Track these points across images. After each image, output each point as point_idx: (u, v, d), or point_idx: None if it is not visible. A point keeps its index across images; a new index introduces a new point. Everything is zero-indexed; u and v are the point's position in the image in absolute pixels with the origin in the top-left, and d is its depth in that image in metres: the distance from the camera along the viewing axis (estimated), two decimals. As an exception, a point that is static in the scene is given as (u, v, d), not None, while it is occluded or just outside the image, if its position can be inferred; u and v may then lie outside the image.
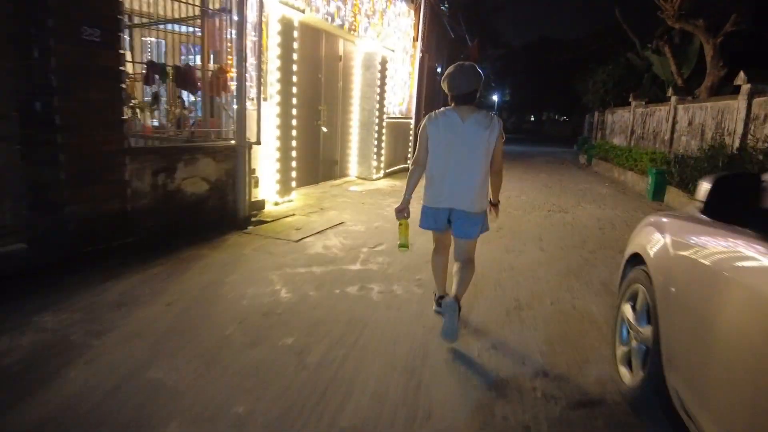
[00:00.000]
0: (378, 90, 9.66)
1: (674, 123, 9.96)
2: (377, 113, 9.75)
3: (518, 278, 4.31)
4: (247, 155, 5.39)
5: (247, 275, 3.93)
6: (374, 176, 9.93)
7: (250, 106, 5.70)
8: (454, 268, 3.14)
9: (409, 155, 12.33)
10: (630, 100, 13.12)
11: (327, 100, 8.64)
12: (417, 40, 12.00)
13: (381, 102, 9.86)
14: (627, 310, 2.62)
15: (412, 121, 12.23)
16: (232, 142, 5.32)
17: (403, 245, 3.06)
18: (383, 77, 9.81)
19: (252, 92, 5.81)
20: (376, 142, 9.84)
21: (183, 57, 6.14)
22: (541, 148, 26.46)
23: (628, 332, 2.61)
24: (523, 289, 4.05)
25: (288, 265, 4.25)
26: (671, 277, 2.07)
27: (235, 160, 5.30)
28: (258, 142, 5.60)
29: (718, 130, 8.08)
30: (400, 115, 11.60)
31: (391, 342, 2.93)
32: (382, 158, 10.30)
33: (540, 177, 12.53)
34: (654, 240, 2.41)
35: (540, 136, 42.32)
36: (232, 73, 5.27)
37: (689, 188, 7.84)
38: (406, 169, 12.56)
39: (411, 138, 12.29)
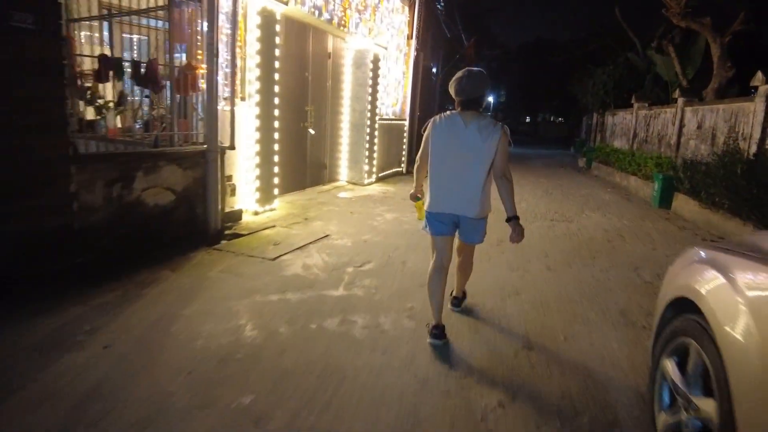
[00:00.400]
0: (370, 89, 9.10)
1: (681, 126, 9.46)
2: (369, 114, 9.19)
3: (525, 306, 3.76)
4: (219, 161, 4.81)
5: (208, 305, 3.35)
6: (366, 181, 9.37)
7: (224, 106, 5.13)
8: (457, 265, 3.36)
9: (403, 159, 11.77)
10: (632, 101, 12.62)
11: (314, 100, 8.07)
12: (411, 38, 11.46)
13: (373, 102, 9.30)
14: (669, 367, 2.07)
15: (407, 123, 11.68)
16: (203, 146, 4.74)
17: (421, 218, 3.17)
18: (375, 76, 9.25)
19: (227, 92, 5.24)
20: (367, 145, 9.28)
21: (177, 55, 5.50)
22: (538, 150, 26.00)
23: (672, 396, 2.06)
24: (531, 320, 3.50)
25: (259, 290, 3.67)
26: (758, 339, 1.51)
27: (205, 166, 4.72)
28: (232, 147, 5.02)
29: (732, 134, 7.58)
30: (393, 117, 11.05)
31: (375, 401, 2.37)
32: (375, 162, 9.73)
33: (539, 182, 12.01)
34: (712, 282, 1.86)
35: (535, 137, 41.88)
36: (203, 69, 4.70)
37: (701, 196, 7.33)
38: (399, 173, 12.00)
39: (405, 141, 11.73)
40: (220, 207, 4.90)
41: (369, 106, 9.16)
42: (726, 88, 10.85)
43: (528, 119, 53.92)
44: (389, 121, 10.74)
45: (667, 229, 7.18)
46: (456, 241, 3.16)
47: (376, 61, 9.21)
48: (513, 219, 2.90)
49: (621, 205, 9.16)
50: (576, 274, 4.64)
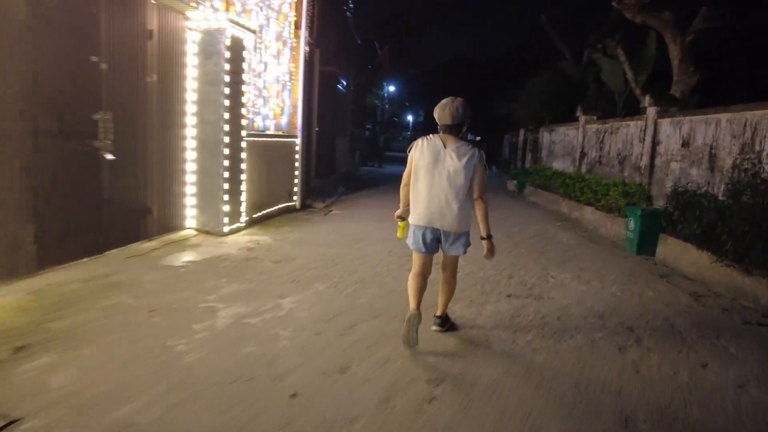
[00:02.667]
0: (228, 90, 5.99)
1: (655, 143, 7.22)
2: (228, 127, 6.06)
3: None
4: None
5: None
6: (227, 228, 6.19)
7: None
8: (441, 285, 3.43)
9: (296, 189, 8.70)
10: (578, 114, 10.44)
11: (116, 105, 4.81)
12: (300, 27, 8.51)
13: (235, 110, 6.20)
14: None
15: (299, 141, 8.63)
16: None
17: (401, 238, 3.46)
18: (237, 71, 6.17)
19: None
20: (227, 174, 6.12)
21: None
22: (462, 170, 23.90)
23: None
24: None
25: None
26: None
27: None
28: None
29: (747, 155, 5.30)
30: (277, 132, 7.98)
31: None
32: (243, 198, 6.59)
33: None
34: None
35: (457, 156, 40.39)
36: None
37: (721, 247, 4.88)
38: (291, 209, 8.87)
39: (298, 165, 8.67)
40: None
41: (228, 116, 6.03)
42: (688, 97, 8.90)
43: (447, 138, 52.82)
44: (270, 139, 7.66)
45: (679, 300, 4.67)
46: (442, 259, 3.37)
47: (237, 48, 6.14)
48: (487, 238, 3.18)
49: (589, 252, 6.66)
50: None
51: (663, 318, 4.14)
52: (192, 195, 6.13)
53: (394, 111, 35.45)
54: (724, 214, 5.02)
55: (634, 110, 10.57)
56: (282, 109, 8.10)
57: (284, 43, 8.04)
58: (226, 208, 6.16)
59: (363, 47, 18.21)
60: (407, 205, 3.33)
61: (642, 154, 7.60)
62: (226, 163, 6.09)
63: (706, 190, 5.81)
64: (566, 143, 11.38)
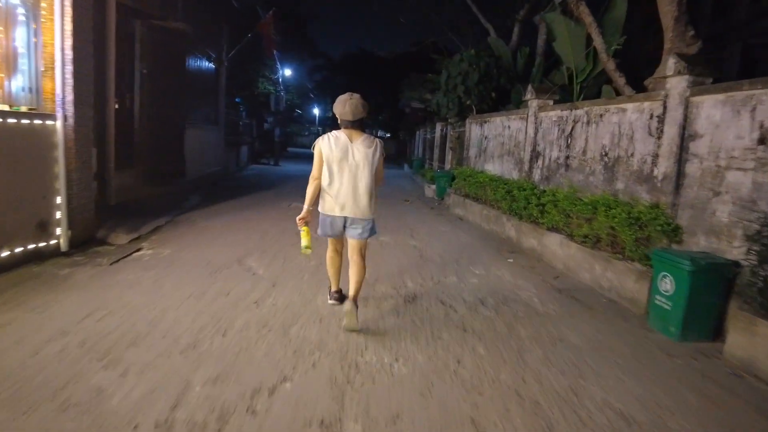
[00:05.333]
0: None
1: (684, 138, 4.27)
2: None
3: None
4: None
5: None
6: None
7: None
8: (350, 269, 3.52)
9: (59, 214, 4.73)
10: (526, 97, 7.37)
11: None
12: None
13: None
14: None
15: (59, 124, 4.65)
16: None
17: (307, 247, 3.43)
18: None
19: None
20: None
21: None
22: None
23: None
24: None
25: None
26: None
27: None
28: None
29: None
30: (-2, 108, 4.00)
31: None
32: None
33: (383, 242, 6.01)
34: None
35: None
36: None
37: None
38: (43, 255, 4.23)
39: (60, 167, 4.69)
40: None
41: None
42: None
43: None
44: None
45: None
46: (349, 245, 3.55)
47: None
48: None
49: (592, 337, 3.51)
50: None
51: None
52: None
53: (294, 101, 31.31)
54: None
55: (593, 95, 7.77)
56: (11, 62, 4.13)
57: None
58: None
59: (242, 14, 14.17)
60: (313, 204, 3.45)
61: (657, 156, 4.60)
62: None
63: None
64: (506, 138, 8.34)
